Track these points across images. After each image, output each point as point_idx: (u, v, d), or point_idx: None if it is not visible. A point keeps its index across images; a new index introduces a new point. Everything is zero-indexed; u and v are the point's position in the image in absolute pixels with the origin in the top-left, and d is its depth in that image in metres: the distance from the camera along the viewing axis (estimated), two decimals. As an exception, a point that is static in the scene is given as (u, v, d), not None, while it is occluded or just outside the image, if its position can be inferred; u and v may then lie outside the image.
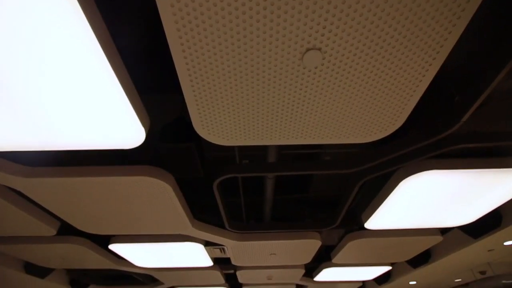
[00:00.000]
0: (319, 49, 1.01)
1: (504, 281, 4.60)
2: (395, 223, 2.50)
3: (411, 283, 4.86)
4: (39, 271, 4.03)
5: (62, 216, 2.30)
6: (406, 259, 3.75)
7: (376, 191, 2.30)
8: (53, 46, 0.96)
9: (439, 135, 1.49)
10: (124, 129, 1.38)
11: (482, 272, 4.63)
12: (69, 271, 4.53)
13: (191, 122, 1.43)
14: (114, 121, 1.32)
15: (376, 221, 2.43)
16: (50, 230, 2.70)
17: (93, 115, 1.29)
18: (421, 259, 3.68)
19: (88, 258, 3.55)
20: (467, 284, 5.56)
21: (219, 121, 1.36)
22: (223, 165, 1.93)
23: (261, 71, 1.10)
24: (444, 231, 3.20)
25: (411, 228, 2.77)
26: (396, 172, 1.95)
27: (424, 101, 1.46)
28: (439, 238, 2.98)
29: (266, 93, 1.20)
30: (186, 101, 1.25)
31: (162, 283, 5.04)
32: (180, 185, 2.17)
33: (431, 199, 2.11)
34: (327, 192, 3.01)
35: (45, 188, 1.93)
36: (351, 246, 3.10)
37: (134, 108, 1.28)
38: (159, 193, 1.97)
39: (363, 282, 5.56)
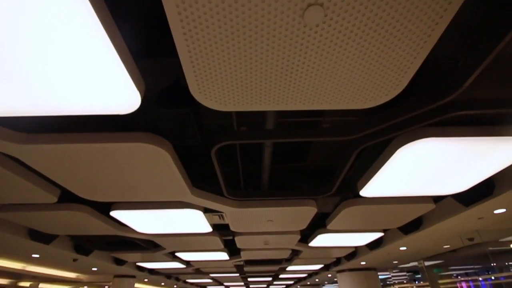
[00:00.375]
0: (321, 5, 0.97)
1: (490, 248, 4.89)
2: (390, 191, 2.60)
3: (401, 248, 5.17)
4: (43, 237, 4.23)
5: (61, 183, 2.35)
6: (398, 226, 3.96)
7: (372, 161, 2.35)
8: (46, 9, 0.93)
9: (440, 101, 1.49)
10: (119, 93, 1.37)
11: (470, 239, 4.91)
12: (73, 238, 4.75)
13: (187, 87, 1.41)
14: (109, 85, 1.31)
15: (371, 189, 2.52)
16: (50, 198, 2.79)
17: (88, 79, 1.27)
18: (413, 226, 3.88)
19: (90, 225, 3.71)
20: (455, 250, 5.93)
21: (216, 85, 1.35)
22: (220, 133, 1.95)
23: (260, 30, 1.06)
24: (436, 199, 3.33)
25: (404, 196, 2.89)
26: (394, 140, 1.98)
27: (427, 68, 1.44)
28: (431, 206, 3.12)
29: (265, 54, 1.17)
30: (182, 64, 1.23)
31: (163, 248, 5.33)
32: (178, 155, 2.21)
33: (426, 168, 2.17)
34: (324, 162, 3.08)
35: (42, 155, 1.96)
36: (346, 213, 3.25)
37: (129, 71, 1.26)
38: (157, 160, 2.01)
39: (356, 247, 5.91)
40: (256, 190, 3.06)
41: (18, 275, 7.34)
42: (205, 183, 2.93)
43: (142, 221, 3.53)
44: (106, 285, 10.97)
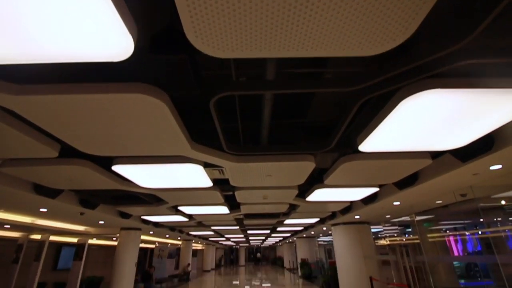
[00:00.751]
0: None
1: (481, 204, 5.15)
2: (389, 146, 2.65)
3: (395, 203, 5.47)
4: (49, 192, 4.42)
5: (59, 136, 2.37)
6: (394, 181, 4.12)
7: (373, 116, 2.35)
8: None
9: (451, 47, 1.43)
10: (110, 37, 1.30)
11: (463, 195, 5.14)
12: (78, 192, 4.97)
13: (183, 32, 1.34)
14: (99, 28, 1.24)
15: (371, 144, 2.56)
16: (51, 152, 2.84)
17: (76, 21, 1.20)
18: (408, 181, 4.04)
19: (93, 180, 3.85)
20: (446, 205, 6.27)
21: (214, 28, 1.27)
22: (219, 83, 1.91)
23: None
24: (434, 155, 3.41)
25: (403, 151, 2.95)
26: (397, 92, 1.95)
27: (437, 14, 1.35)
28: (428, 162, 3.21)
29: (266, -10, 1.09)
30: (177, 4, 1.15)
31: (166, 202, 5.62)
32: (177, 109, 2.19)
33: (427, 121, 2.18)
34: (324, 118, 3.08)
35: (37, 107, 1.94)
36: (344, 168, 3.35)
37: (119, 12, 1.18)
38: (154, 112, 2.00)
39: (351, 202, 6.25)
40: (256, 145, 3.10)
41: (29, 228, 7.86)
42: (204, 139, 2.97)
43: (143, 176, 3.65)
44: (114, 237, 11.85)
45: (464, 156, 3.13)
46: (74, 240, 10.13)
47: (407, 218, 7.65)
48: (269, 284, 12.80)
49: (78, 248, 8.44)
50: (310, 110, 2.96)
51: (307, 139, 3.25)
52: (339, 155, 3.34)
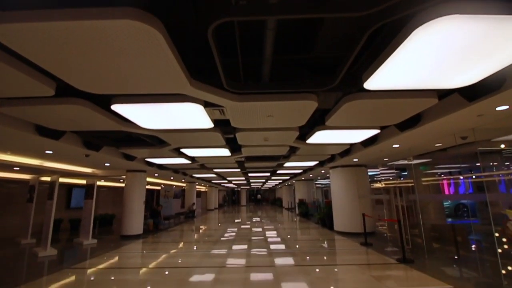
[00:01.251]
0: None
1: (480, 148, 5.25)
2: (396, 83, 2.58)
3: (394, 146, 5.60)
4: (51, 133, 4.50)
5: (50, 69, 2.30)
6: (396, 122, 4.15)
7: (381, 51, 2.22)
8: None
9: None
10: None
11: (464, 137, 5.20)
12: (81, 134, 5.06)
13: None
14: None
15: (378, 80, 2.49)
16: (47, 90, 2.80)
17: None
18: (410, 123, 4.06)
19: (94, 120, 3.88)
20: (445, 149, 6.42)
21: None
22: (217, 8, 1.76)
23: None
24: (440, 95, 3.35)
25: (410, 89, 2.89)
26: (412, 19, 1.81)
27: None
28: (434, 101, 3.17)
29: None
30: None
31: (168, 144, 5.78)
32: (175, 45, 2.07)
33: (440, 54, 2.07)
34: (330, 54, 2.92)
35: (23, 36, 1.83)
36: (347, 108, 3.34)
37: None
38: (149, 42, 1.89)
39: (351, 144, 6.40)
40: (257, 82, 3.03)
41: (38, 171, 8.27)
42: (204, 77, 2.88)
43: (144, 116, 3.67)
44: (121, 179, 12.56)
45: (472, 95, 3.08)
46: (83, 181, 10.76)
47: (404, 162, 7.93)
48: (268, 221, 14.05)
49: (88, 188, 9.01)
50: (315, 44, 2.80)
51: (311, 78, 3.15)
52: (343, 94, 3.28)
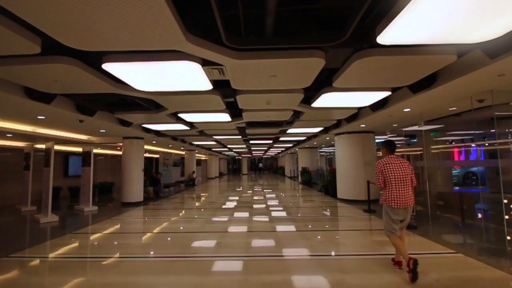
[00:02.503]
0: None
1: (496, 112, 5.15)
2: (413, 36, 2.45)
3: (405, 110, 5.51)
4: (41, 96, 4.43)
5: (34, 23, 2.19)
6: (409, 83, 4.04)
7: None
8: None
9: None
10: None
11: (480, 101, 5.09)
12: (73, 98, 4.99)
13: None
14: None
15: (393, 33, 2.36)
16: (32, 46, 2.70)
17: None
18: (425, 84, 3.95)
19: (84, 81, 3.80)
20: (459, 114, 6.32)
21: None
22: None
23: None
24: (459, 54, 3.19)
25: (427, 44, 2.75)
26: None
27: None
28: (453, 58, 3.04)
29: None
30: None
31: (165, 109, 5.72)
32: None
33: (464, 1, 1.93)
34: (340, 4, 2.74)
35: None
36: (357, 66, 3.22)
37: None
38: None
39: (359, 109, 6.32)
40: (259, 37, 2.89)
41: (32, 137, 8.32)
42: (201, 31, 2.75)
43: (138, 76, 3.57)
44: (118, 147, 12.70)
45: (494, 52, 2.94)
46: (79, 149, 10.89)
47: (414, 128, 7.88)
48: (270, 190, 14.46)
49: (85, 156, 9.15)
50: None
51: (318, 32, 3.00)
52: (354, 50, 3.15)
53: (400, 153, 7.94)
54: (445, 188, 8.60)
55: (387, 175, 3.36)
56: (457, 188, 10.22)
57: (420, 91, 4.18)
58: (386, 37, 2.46)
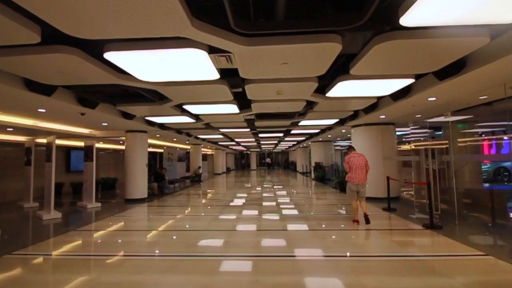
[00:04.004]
0: None
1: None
2: (440, 17, 2.37)
3: (430, 99, 5.37)
4: (42, 88, 4.54)
5: (33, 10, 2.23)
6: (435, 69, 3.93)
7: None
8: None
9: None
10: None
11: (515, 88, 4.90)
12: (74, 89, 5.08)
13: None
14: None
15: (418, 13, 2.29)
16: (31, 36, 2.75)
17: None
18: (452, 70, 3.84)
19: (86, 71, 3.86)
20: (490, 103, 6.11)
21: None
22: None
23: None
24: (492, 36, 3.07)
25: (455, 26, 2.66)
26: None
27: None
28: (485, 40, 2.94)
29: None
30: None
31: (170, 100, 5.77)
32: None
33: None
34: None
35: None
36: (377, 51, 3.16)
37: None
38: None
39: (378, 98, 6.20)
40: (270, 21, 2.86)
41: (33, 131, 8.56)
42: (207, 15, 2.74)
43: (141, 66, 3.60)
44: (121, 141, 12.93)
45: (534, 32, 2.82)
46: (81, 144, 11.14)
47: (439, 119, 7.69)
48: (281, 186, 14.48)
49: (87, 150, 9.36)
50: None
51: (334, 14, 2.94)
52: (373, 34, 3.08)
53: (423, 147, 7.79)
54: (474, 185, 8.40)
55: (351, 164, 5.87)
56: (487, 185, 9.96)
57: (447, 78, 4.07)
58: (410, 18, 2.39)
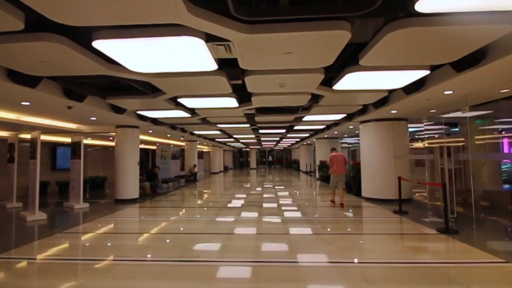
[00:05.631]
0: None
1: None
2: (459, 3, 2.35)
3: (446, 92, 5.34)
4: (26, 79, 4.52)
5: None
6: (452, 60, 3.91)
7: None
8: None
9: None
10: None
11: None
12: (61, 81, 5.06)
13: None
14: None
15: (434, -1, 2.27)
16: (15, 22, 2.73)
17: None
18: (471, 60, 3.81)
19: (73, 61, 3.84)
20: (512, 96, 6.08)
21: None
22: None
23: None
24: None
25: (475, 12, 2.63)
26: None
27: None
28: (507, 28, 2.91)
29: None
30: None
31: (164, 93, 5.75)
32: None
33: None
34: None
35: None
36: (390, 40, 3.13)
37: None
38: None
39: (389, 91, 6.18)
40: (272, 7, 2.83)
41: (16, 126, 8.56)
42: (205, 1, 2.71)
43: (133, 55, 3.58)
44: (111, 137, 12.92)
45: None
46: (68, 140, 11.14)
47: (455, 114, 7.66)
48: (283, 187, 14.49)
49: (74, 147, 9.36)
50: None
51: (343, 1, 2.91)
52: (386, 21, 3.06)
53: (438, 144, 7.77)
54: (493, 186, 8.38)
55: (333, 161, 8.34)
56: (507, 186, 9.94)
57: (466, 70, 4.04)
58: (426, 4, 2.38)
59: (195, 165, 18.56)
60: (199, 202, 10.22)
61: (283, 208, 8.27)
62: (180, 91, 5.66)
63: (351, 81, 4.83)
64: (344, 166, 8.28)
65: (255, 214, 7.38)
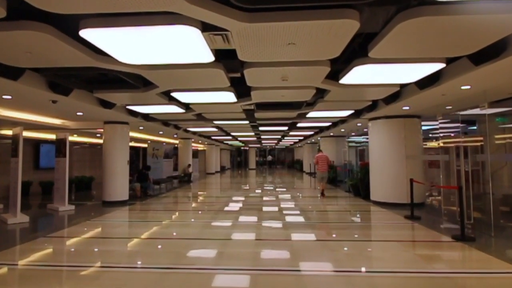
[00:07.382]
0: None
1: None
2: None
3: (463, 87, 5.33)
4: (7, 71, 4.54)
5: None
6: (470, 52, 3.91)
7: None
8: None
9: None
10: None
11: None
12: (45, 73, 5.06)
13: None
14: None
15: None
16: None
17: None
18: (491, 52, 3.81)
19: (59, 52, 3.85)
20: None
21: None
22: None
23: None
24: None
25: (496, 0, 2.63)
26: None
27: None
28: (530, 18, 2.91)
29: None
30: None
31: (156, 86, 5.76)
32: None
33: None
34: None
35: None
36: (402, 31, 3.13)
37: None
38: None
39: (401, 86, 6.18)
40: (275, -7, 2.84)
41: (-5, 121, 8.59)
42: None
43: (122, 45, 3.59)
44: (99, 134, 12.94)
45: None
46: (52, 136, 11.16)
47: (473, 112, 7.65)
48: (284, 189, 14.50)
49: (59, 144, 9.38)
50: None
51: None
52: (397, 9, 3.06)
53: (454, 144, 7.76)
54: (513, 191, 8.39)
55: (319, 160, 11.34)
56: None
57: (485, 63, 4.04)
58: (441, -9, 2.37)
59: (189, 165, 18.58)
60: (193, 205, 10.24)
61: (284, 212, 8.29)
62: (174, 84, 5.66)
63: (359, 75, 4.84)
64: (327, 165, 11.40)
65: (255, 218, 7.40)
